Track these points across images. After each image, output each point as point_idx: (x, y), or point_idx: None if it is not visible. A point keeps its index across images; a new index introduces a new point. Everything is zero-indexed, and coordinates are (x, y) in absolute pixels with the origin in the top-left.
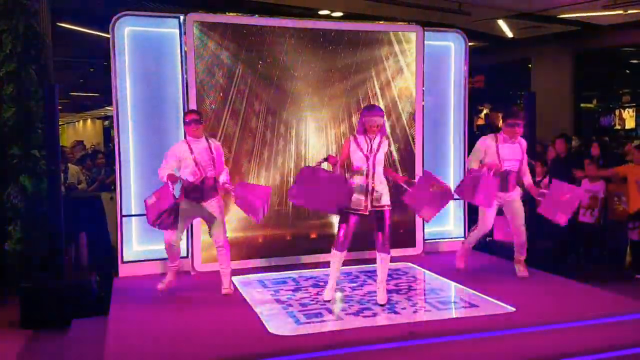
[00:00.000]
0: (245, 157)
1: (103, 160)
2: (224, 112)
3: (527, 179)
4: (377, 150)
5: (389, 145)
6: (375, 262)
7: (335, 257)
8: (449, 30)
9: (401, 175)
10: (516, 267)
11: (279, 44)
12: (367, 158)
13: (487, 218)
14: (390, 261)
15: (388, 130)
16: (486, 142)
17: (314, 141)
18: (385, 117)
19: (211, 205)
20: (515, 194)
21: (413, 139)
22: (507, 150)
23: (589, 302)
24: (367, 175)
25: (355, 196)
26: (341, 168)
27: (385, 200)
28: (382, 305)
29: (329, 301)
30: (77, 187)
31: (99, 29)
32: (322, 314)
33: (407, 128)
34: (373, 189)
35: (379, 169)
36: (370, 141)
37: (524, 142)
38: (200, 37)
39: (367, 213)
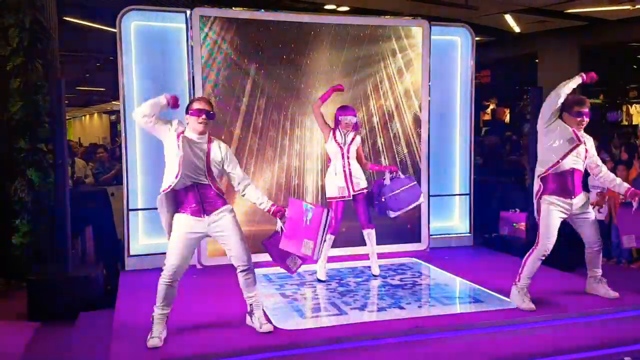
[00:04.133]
0: (249, 153)
1: (104, 154)
2: (229, 107)
3: None
4: (350, 143)
5: (361, 140)
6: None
7: (329, 240)
8: (455, 24)
9: (384, 165)
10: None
11: (285, 39)
12: (341, 149)
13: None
14: (396, 256)
15: (396, 127)
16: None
17: (319, 136)
18: (357, 115)
19: (218, 220)
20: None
21: (419, 134)
22: None
23: (593, 299)
24: (343, 165)
25: (338, 185)
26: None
27: (363, 184)
28: (375, 277)
29: (324, 281)
30: (84, 181)
31: (105, 24)
32: (327, 309)
33: (412, 123)
34: (351, 176)
35: (353, 159)
36: (344, 136)
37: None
38: (207, 32)
39: (350, 198)
